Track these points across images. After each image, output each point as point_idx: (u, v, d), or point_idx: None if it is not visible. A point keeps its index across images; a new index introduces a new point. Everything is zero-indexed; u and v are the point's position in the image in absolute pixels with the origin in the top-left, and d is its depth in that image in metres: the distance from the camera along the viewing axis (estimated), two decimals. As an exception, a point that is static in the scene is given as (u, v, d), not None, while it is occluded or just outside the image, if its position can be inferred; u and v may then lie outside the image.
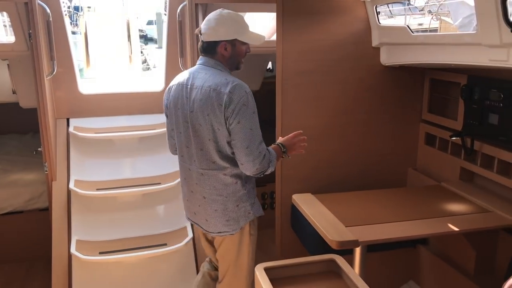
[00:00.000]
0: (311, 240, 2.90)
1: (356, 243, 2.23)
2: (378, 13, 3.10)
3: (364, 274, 2.51)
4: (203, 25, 2.20)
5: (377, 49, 3.22)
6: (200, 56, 2.27)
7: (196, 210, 2.36)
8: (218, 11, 2.19)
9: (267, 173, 2.17)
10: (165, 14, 3.34)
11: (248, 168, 2.12)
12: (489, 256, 2.67)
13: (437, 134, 3.28)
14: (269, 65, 4.99)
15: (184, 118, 2.24)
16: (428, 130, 3.36)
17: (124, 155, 3.35)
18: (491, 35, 2.16)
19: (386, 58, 3.19)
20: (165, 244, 2.90)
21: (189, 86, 2.22)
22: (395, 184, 3.45)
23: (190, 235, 2.94)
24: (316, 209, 2.60)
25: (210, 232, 2.34)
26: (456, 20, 8.39)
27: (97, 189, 3.08)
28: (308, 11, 3.03)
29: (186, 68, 3.25)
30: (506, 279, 2.45)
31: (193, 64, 3.12)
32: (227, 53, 2.19)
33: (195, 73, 2.24)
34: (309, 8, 3.02)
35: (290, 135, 2.31)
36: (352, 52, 3.17)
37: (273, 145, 2.28)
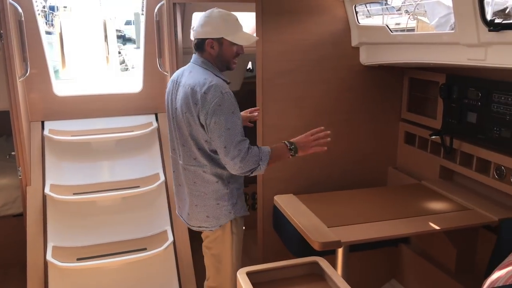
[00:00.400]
0: (293, 241, 2.89)
1: (338, 243, 2.22)
2: (357, 12, 3.10)
3: (347, 275, 2.50)
4: (196, 23, 2.25)
5: (356, 49, 3.22)
6: (193, 54, 2.31)
7: (181, 204, 2.42)
8: (211, 10, 2.21)
9: (259, 172, 2.16)
10: (143, 14, 3.28)
11: (230, 167, 2.13)
12: (469, 253, 2.69)
13: (416, 133, 3.30)
14: (249, 65, 4.97)
15: (171, 114, 2.30)
16: (408, 129, 3.38)
17: (102, 158, 3.28)
18: (469, 34, 2.18)
19: (366, 57, 3.19)
20: (145, 249, 2.84)
21: (177, 83, 2.27)
22: (376, 183, 3.46)
23: (171, 239, 2.89)
24: (298, 210, 2.58)
25: (192, 226, 2.37)
26: (433, 19, 8.54)
27: (74, 194, 3.00)
28: (287, 11, 3.02)
29: (165, 69, 3.20)
30: (486, 276, 2.48)
31: (172, 65, 3.10)
32: (214, 52, 2.20)
33: (186, 71, 2.28)
34: (288, 7, 3.01)
35: (307, 132, 2.21)
36: (332, 52, 3.17)
37: (278, 144, 2.22)
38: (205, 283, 2.51)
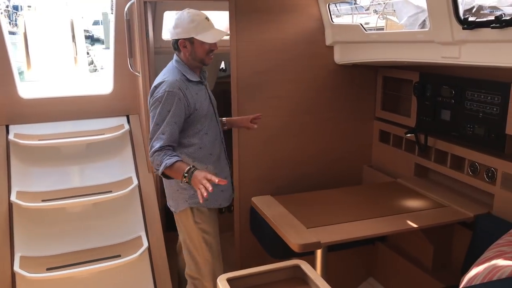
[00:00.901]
0: (272, 244, 2.85)
1: (318, 244, 2.19)
2: (330, 11, 3.09)
3: (326, 275, 2.48)
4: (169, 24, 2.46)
5: (330, 48, 3.21)
6: None
7: None
8: (181, 11, 2.36)
9: (158, 174, 2.31)
10: (112, 13, 3.17)
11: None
12: (445, 250, 2.72)
13: (391, 131, 3.32)
14: (222, 65, 4.91)
15: None
16: (382, 127, 3.40)
17: (72, 163, 3.14)
18: (443, 32, 2.19)
19: (340, 56, 3.19)
20: (118, 256, 2.74)
21: None
22: (351, 182, 3.47)
23: (145, 244, 2.80)
24: (276, 211, 2.55)
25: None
26: (402, 19, 8.66)
27: (43, 200, 2.86)
28: (261, 10, 2.98)
29: (136, 69, 3.11)
30: (463, 272, 2.50)
31: (143, 65, 3.02)
32: (187, 50, 2.37)
33: None
34: (262, 6, 2.97)
35: (208, 175, 2.13)
36: (306, 51, 3.15)
37: (184, 164, 2.21)
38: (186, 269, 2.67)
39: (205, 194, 2.05)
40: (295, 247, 2.18)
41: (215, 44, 2.39)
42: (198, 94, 2.42)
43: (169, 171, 2.23)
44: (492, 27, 1.89)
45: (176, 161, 2.21)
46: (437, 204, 2.64)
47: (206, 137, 2.46)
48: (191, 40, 2.34)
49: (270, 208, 2.61)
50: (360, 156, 3.50)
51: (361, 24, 2.88)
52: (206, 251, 2.55)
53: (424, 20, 7.63)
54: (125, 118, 3.35)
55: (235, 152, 3.11)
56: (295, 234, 2.25)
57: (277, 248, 2.80)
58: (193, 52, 2.36)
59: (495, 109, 2.41)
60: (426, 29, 2.32)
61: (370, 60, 2.93)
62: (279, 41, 3.08)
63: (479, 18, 2.13)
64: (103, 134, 3.12)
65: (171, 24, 2.40)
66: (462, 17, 2.04)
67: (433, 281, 2.67)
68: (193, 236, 2.53)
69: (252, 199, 2.75)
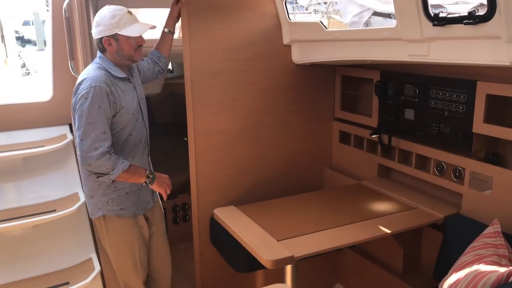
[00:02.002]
0: (237, 257, 2.66)
1: (291, 259, 2.04)
2: (287, 9, 2.95)
3: (297, 286, 2.34)
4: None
5: (288, 47, 3.07)
6: None
7: None
8: (102, 8, 2.26)
9: (105, 179, 2.20)
10: (48, 11, 2.83)
11: (81, 161, 2.17)
12: (415, 253, 2.66)
13: (351, 132, 3.24)
14: (169, 66, 4.66)
15: None
16: (342, 128, 3.32)
17: (7, 180, 2.78)
18: (411, 29, 2.11)
19: (298, 56, 3.05)
20: (67, 283, 2.44)
21: None
22: (313, 184, 3.37)
23: (97, 268, 2.52)
24: (242, 224, 2.37)
25: None
26: (346, 18, 8.76)
27: (-26, 224, 2.51)
28: (214, 6, 2.78)
29: (78, 72, 2.80)
30: (435, 275, 2.45)
31: (86, 66, 2.72)
32: (113, 48, 2.26)
33: None
34: (215, 3, 2.77)
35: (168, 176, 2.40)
36: (263, 50, 2.99)
37: (142, 167, 2.32)
38: None
39: (168, 192, 2.33)
40: (268, 264, 2.01)
41: (142, 38, 2.30)
42: (125, 92, 2.29)
43: (126, 175, 2.20)
44: (465, 23, 1.81)
45: (130, 164, 2.21)
46: (406, 206, 2.57)
47: (130, 139, 2.34)
48: (116, 37, 2.24)
49: (235, 220, 2.43)
50: (320, 158, 3.40)
51: (321, 22, 2.76)
52: (121, 260, 2.46)
53: (369, 18, 7.76)
54: (67, 127, 3.02)
55: (191, 159, 2.89)
56: (266, 249, 2.08)
57: (242, 261, 2.62)
58: (120, 49, 2.26)
59: (461, 107, 2.37)
60: (393, 26, 2.22)
61: (331, 59, 2.82)
62: (235, 40, 2.90)
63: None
64: (43, 146, 2.79)
65: (93, 23, 2.29)
66: (432, 14, 1.96)
67: (404, 285, 2.60)
68: (106, 244, 2.47)
69: (215, 211, 2.56)
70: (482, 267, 1.82)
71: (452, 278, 1.95)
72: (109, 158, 2.13)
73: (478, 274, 1.79)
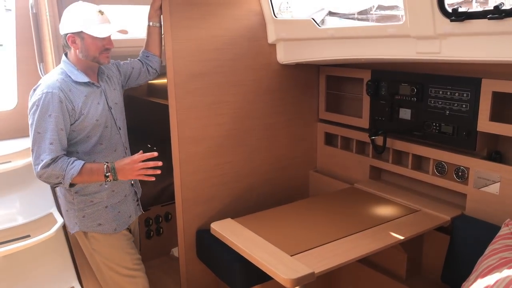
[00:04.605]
0: (231, 272, 2.46)
1: (312, 276, 1.86)
2: (273, 6, 2.78)
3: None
4: None
5: (273, 46, 2.91)
6: None
7: None
8: (73, 4, 2.10)
9: (62, 186, 2.06)
10: (8, 9, 2.45)
11: (35, 173, 2.03)
12: (418, 256, 2.58)
13: (338, 133, 3.13)
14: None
15: None
16: (327, 129, 3.20)
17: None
18: (422, 26, 2.01)
19: (284, 55, 2.90)
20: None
21: None
22: (299, 189, 3.26)
23: (81, 298, 2.22)
24: (247, 239, 2.16)
25: None
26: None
27: None
28: (197, 3, 2.56)
29: (48, 76, 2.47)
30: (443, 279, 2.37)
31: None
32: (76, 47, 2.10)
33: None
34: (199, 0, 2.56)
35: (135, 156, 2.06)
36: (248, 50, 2.81)
37: (99, 163, 2.07)
38: None
39: (156, 174, 2.04)
40: (287, 283, 1.82)
41: (110, 41, 2.13)
42: (88, 98, 2.09)
43: (80, 178, 2.00)
44: (489, 18, 1.73)
45: (84, 164, 2.01)
46: (409, 209, 2.48)
47: (100, 148, 2.15)
48: (81, 35, 2.07)
49: (236, 234, 2.21)
50: (305, 161, 3.27)
51: (313, 19, 2.61)
52: (114, 274, 2.30)
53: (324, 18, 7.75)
54: None
55: (175, 169, 2.66)
56: (283, 267, 1.89)
57: (239, 277, 2.43)
58: (85, 49, 2.09)
59: (464, 105, 2.32)
60: (400, 23, 2.12)
61: (322, 58, 2.69)
62: (218, 39, 2.69)
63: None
64: (9, 161, 2.42)
65: (62, 18, 2.12)
66: (450, 8, 1.86)
67: (409, 291, 2.52)
68: (91, 261, 2.31)
69: (212, 225, 2.33)
70: (514, 272, 1.75)
71: (478, 284, 1.86)
72: (54, 168, 1.97)
73: (513, 280, 1.71)
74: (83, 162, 2.02)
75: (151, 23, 2.46)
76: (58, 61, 2.33)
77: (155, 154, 2.05)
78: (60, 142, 2.01)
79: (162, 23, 2.46)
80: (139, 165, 2.03)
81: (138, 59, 2.49)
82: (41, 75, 2.47)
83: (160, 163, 2.04)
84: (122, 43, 2.82)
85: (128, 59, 2.46)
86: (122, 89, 2.42)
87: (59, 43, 2.31)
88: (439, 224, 2.31)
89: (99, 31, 2.06)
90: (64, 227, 2.41)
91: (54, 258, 2.33)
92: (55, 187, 2.07)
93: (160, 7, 2.42)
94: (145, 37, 2.51)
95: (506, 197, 2.21)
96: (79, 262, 2.40)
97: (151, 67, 2.51)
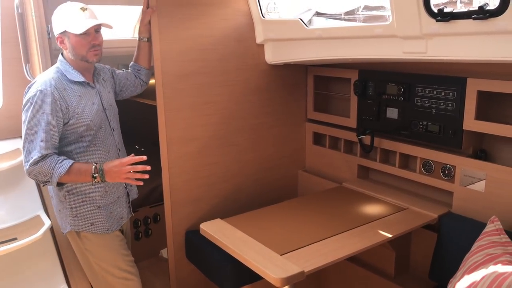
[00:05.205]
0: (221, 273, 2.46)
1: (302, 275, 1.87)
2: (261, 6, 2.79)
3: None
4: None
5: (261, 46, 2.92)
6: None
7: None
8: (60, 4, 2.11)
9: (50, 185, 2.04)
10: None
11: (25, 170, 2.01)
12: (406, 254, 2.61)
13: (326, 133, 3.14)
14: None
15: None
16: (315, 129, 3.22)
17: None
18: (409, 26, 2.03)
19: (272, 56, 2.91)
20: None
21: None
22: (287, 188, 3.27)
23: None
24: (237, 239, 2.16)
25: None
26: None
27: None
28: (184, 3, 2.56)
29: (35, 77, 2.44)
30: (431, 276, 2.40)
31: (44, 70, 2.37)
32: (65, 47, 2.11)
33: None
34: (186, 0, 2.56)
35: (124, 159, 2.05)
36: (236, 50, 2.82)
37: (88, 164, 2.06)
38: None
39: (144, 178, 2.03)
40: (277, 283, 1.83)
41: (95, 37, 2.11)
42: (82, 97, 2.09)
43: (68, 177, 1.99)
44: (474, 18, 1.76)
45: (73, 163, 2.00)
46: (397, 207, 2.51)
47: (93, 149, 2.15)
48: (67, 35, 2.08)
49: (226, 235, 2.21)
50: (294, 161, 3.29)
51: (301, 19, 2.62)
52: (107, 275, 2.29)
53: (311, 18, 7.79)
54: (20, 141, 2.63)
55: (164, 170, 2.65)
56: (273, 266, 1.90)
57: (229, 278, 2.43)
58: (72, 48, 2.09)
59: (450, 105, 2.35)
60: (387, 23, 2.14)
61: (310, 58, 2.70)
62: (206, 39, 2.69)
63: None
64: (-6, 163, 2.40)
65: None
66: (436, 9, 1.89)
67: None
68: (83, 263, 2.30)
69: (201, 226, 2.32)
70: (500, 268, 1.78)
71: (465, 280, 1.89)
72: (42, 165, 1.96)
73: (499, 276, 1.73)
74: (72, 161, 2.01)
75: (140, 38, 2.47)
76: (44, 62, 2.32)
77: (144, 157, 2.03)
78: (51, 140, 2.00)
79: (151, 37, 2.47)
80: (127, 168, 2.02)
81: (131, 71, 2.54)
82: (27, 76, 2.45)
83: (148, 167, 2.03)
84: (114, 43, 2.83)
85: (123, 69, 2.47)
86: (116, 96, 2.42)
87: (45, 43, 2.30)
88: (426, 222, 2.34)
89: (78, 28, 2.05)
90: (52, 229, 2.38)
91: (42, 261, 2.30)
92: (43, 185, 2.08)
93: (149, 22, 2.42)
94: (135, 50, 2.54)
95: (491, 195, 2.24)
96: (68, 265, 2.38)
97: (142, 80, 2.55)
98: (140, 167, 2.02)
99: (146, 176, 2.04)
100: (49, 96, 1.99)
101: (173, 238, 2.76)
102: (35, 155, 1.96)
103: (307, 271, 1.88)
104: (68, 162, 1.99)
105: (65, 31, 2.07)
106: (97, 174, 2.02)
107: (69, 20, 2.06)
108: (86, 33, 2.07)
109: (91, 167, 2.03)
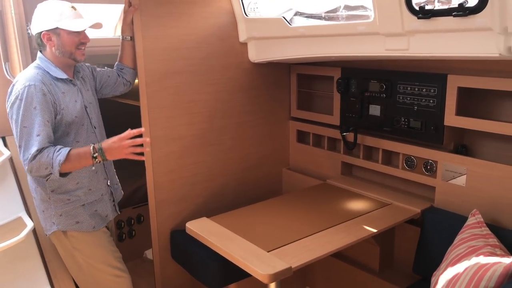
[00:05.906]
0: (208, 272, 2.45)
1: (289, 270, 1.88)
2: (244, 4, 2.79)
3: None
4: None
5: (244, 45, 2.92)
6: None
7: None
8: (44, 1, 2.09)
9: (55, 178, 2.02)
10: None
11: (25, 169, 2.00)
12: (390, 249, 2.64)
13: (310, 131, 3.17)
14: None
15: None
16: (299, 127, 3.24)
17: None
18: (391, 23, 2.06)
19: (255, 54, 2.92)
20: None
21: None
22: (272, 186, 3.28)
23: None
24: (224, 237, 2.16)
25: None
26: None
27: None
28: (168, 2, 2.55)
29: (15, 76, 2.40)
30: (415, 270, 2.44)
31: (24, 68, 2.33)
32: (52, 44, 2.07)
33: None
34: None
35: (123, 134, 2.01)
36: (219, 48, 2.81)
37: (86, 147, 2.03)
38: None
39: (138, 151, 1.99)
40: (265, 279, 1.84)
41: (85, 36, 2.14)
42: (66, 94, 2.09)
43: (70, 164, 1.96)
44: (455, 15, 1.79)
45: (71, 149, 1.97)
46: (380, 203, 2.54)
47: (77, 146, 2.12)
48: (57, 31, 2.05)
49: (214, 233, 2.21)
50: (278, 159, 3.30)
51: (284, 17, 2.64)
52: (96, 272, 2.27)
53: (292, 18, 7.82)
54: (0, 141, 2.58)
55: (148, 169, 2.63)
56: (260, 263, 1.90)
57: (216, 276, 2.43)
58: (61, 45, 2.07)
59: (431, 101, 2.39)
60: (369, 20, 2.17)
61: (293, 57, 2.72)
62: (190, 38, 2.68)
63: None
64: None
65: (33, 17, 2.09)
66: (417, 6, 1.92)
67: (382, 283, 2.57)
68: (70, 264, 2.28)
69: (187, 224, 2.32)
70: (482, 260, 1.82)
71: (448, 272, 1.93)
72: (40, 158, 1.93)
73: (481, 267, 1.77)
74: (69, 148, 1.98)
75: (124, 37, 2.45)
76: (25, 60, 2.28)
77: (142, 130, 2.04)
78: (47, 134, 1.97)
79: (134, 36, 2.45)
80: (127, 142, 1.98)
81: (114, 70, 2.51)
82: (6, 75, 2.40)
83: (148, 140, 2.05)
84: (100, 42, 2.80)
85: (105, 67, 2.44)
86: (96, 94, 2.40)
87: (25, 42, 2.26)
88: (409, 216, 2.38)
89: (75, 25, 2.06)
90: (34, 231, 2.34)
91: (24, 263, 2.25)
92: (47, 179, 2.04)
93: (132, 21, 2.40)
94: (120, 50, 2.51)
95: (472, 189, 2.29)
96: (51, 267, 2.34)
97: (126, 79, 2.52)
98: (140, 140, 2.00)
99: (147, 149, 2.05)
100: (38, 91, 1.97)
101: (158, 238, 2.75)
102: (33, 150, 1.93)
103: (294, 267, 1.89)
104: (65, 149, 1.96)
105: (56, 27, 2.04)
106: (97, 154, 1.99)
107: (62, 17, 2.05)
108: (78, 31, 2.08)
109: (90, 148, 2.00)
